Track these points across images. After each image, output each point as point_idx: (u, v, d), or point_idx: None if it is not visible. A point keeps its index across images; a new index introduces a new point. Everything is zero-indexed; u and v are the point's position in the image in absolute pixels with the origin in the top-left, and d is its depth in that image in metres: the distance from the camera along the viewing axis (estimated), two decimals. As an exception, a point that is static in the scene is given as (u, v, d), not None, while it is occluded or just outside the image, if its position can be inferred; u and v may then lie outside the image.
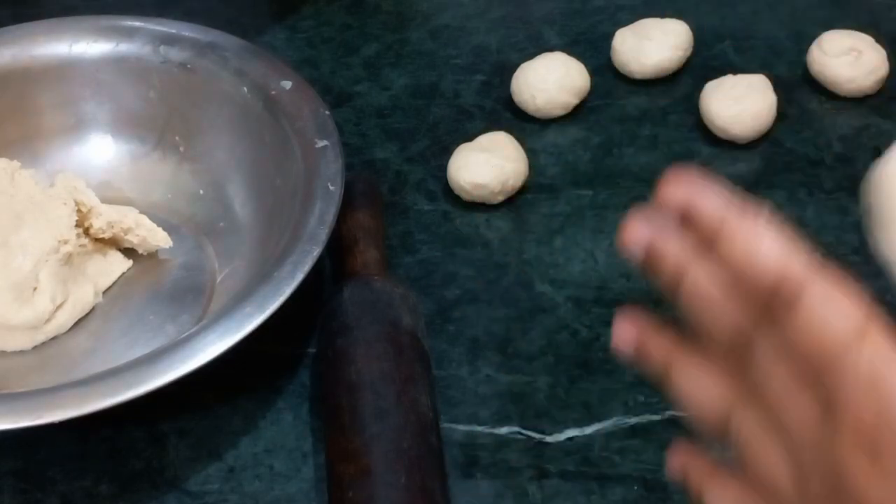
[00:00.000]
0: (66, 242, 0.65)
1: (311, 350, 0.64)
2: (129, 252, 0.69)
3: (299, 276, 0.59)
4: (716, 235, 0.38)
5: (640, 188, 0.72)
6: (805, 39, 0.81)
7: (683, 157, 0.73)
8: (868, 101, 0.76)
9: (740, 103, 0.72)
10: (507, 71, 0.78)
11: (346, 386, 0.57)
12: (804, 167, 0.72)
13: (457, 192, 0.71)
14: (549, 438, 0.59)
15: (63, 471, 0.60)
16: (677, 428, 0.59)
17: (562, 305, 0.65)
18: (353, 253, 0.64)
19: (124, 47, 0.73)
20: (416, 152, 0.76)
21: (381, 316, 0.59)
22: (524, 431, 0.60)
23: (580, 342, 0.63)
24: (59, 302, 0.65)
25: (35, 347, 0.65)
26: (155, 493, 0.59)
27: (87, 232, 0.68)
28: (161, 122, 0.73)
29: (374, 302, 0.60)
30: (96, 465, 0.60)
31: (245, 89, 0.70)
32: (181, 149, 0.73)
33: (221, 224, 0.70)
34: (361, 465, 0.53)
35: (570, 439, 0.59)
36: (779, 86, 0.74)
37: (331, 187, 0.63)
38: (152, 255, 0.69)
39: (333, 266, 0.67)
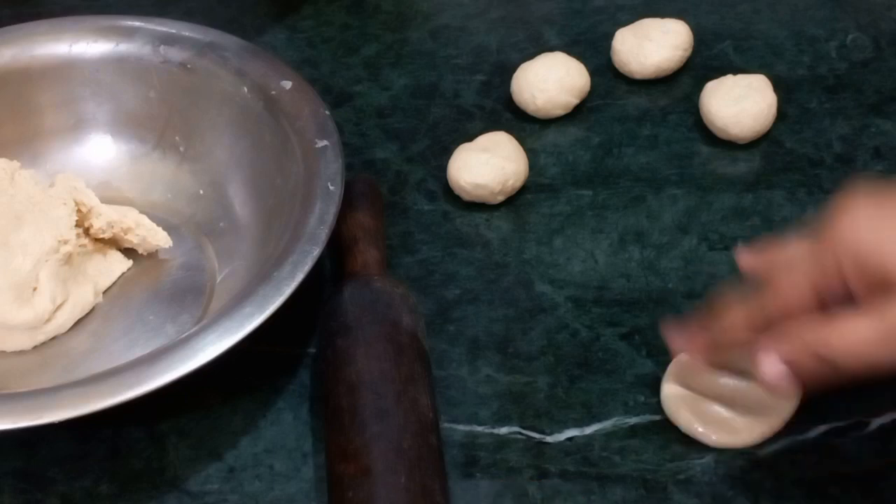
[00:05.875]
0: (66, 242, 0.65)
1: (311, 350, 0.64)
2: (129, 252, 0.69)
3: (299, 276, 0.59)
4: None
5: (640, 188, 0.72)
6: (805, 39, 0.81)
7: (683, 157, 0.73)
8: (868, 102, 0.76)
9: (740, 103, 0.72)
10: (507, 71, 0.78)
11: (346, 386, 0.57)
12: (804, 167, 0.72)
13: (457, 192, 0.71)
14: (549, 438, 0.59)
15: (63, 471, 0.60)
16: (677, 428, 0.59)
17: (562, 305, 0.65)
18: (352, 253, 0.64)
19: (124, 47, 0.73)
20: (416, 152, 0.76)
21: (380, 316, 0.59)
22: (524, 431, 0.59)
23: (580, 342, 0.63)
24: (59, 302, 0.65)
25: (35, 347, 0.65)
26: (155, 493, 0.59)
27: (87, 232, 0.68)
28: (161, 122, 0.73)
29: (374, 302, 0.60)
30: (96, 465, 0.60)
31: (245, 89, 0.70)
32: (181, 149, 0.73)
33: (221, 224, 0.70)
34: (361, 466, 0.53)
35: (570, 439, 0.59)
36: (779, 86, 0.74)
37: (331, 187, 0.63)
38: (152, 255, 0.69)
39: (333, 266, 0.67)
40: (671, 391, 0.59)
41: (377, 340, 0.58)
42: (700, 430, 0.58)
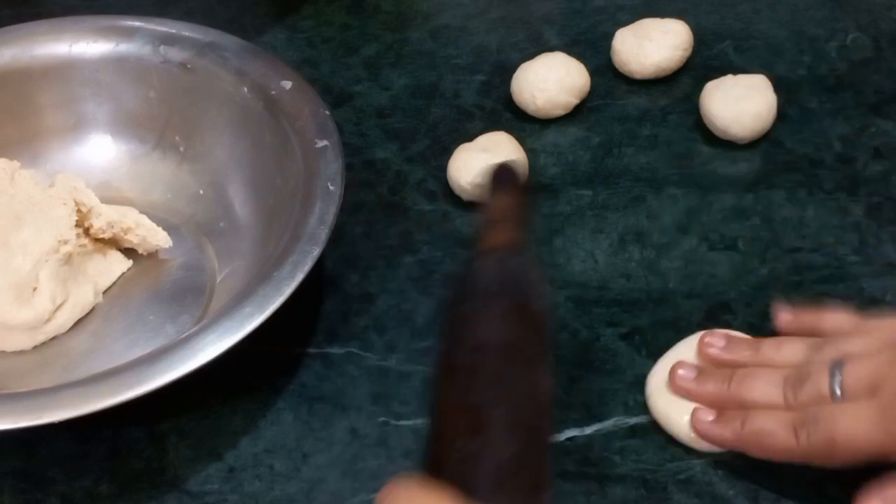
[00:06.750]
0: (66, 242, 0.65)
1: (311, 350, 0.64)
2: (129, 252, 0.69)
3: (299, 276, 0.59)
4: None
5: (640, 188, 0.72)
6: (805, 39, 0.81)
7: (683, 157, 0.73)
8: (868, 102, 0.76)
9: (740, 103, 0.72)
10: (507, 71, 0.78)
11: (469, 347, 0.55)
12: (804, 167, 0.72)
13: (457, 192, 0.71)
14: (549, 438, 0.59)
15: (63, 471, 0.60)
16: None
17: (562, 305, 0.65)
18: (491, 231, 0.62)
19: (124, 47, 0.73)
20: (416, 152, 0.76)
21: (511, 290, 0.57)
22: (524, 431, 0.59)
23: (580, 342, 0.63)
24: (59, 302, 0.65)
25: (35, 347, 0.65)
26: (155, 493, 0.59)
27: (87, 232, 0.68)
28: (161, 122, 0.73)
29: (506, 277, 0.58)
30: (96, 465, 0.60)
31: (245, 89, 0.70)
32: (181, 149, 0.73)
33: (221, 224, 0.70)
34: (473, 422, 0.51)
35: (570, 439, 0.59)
36: (779, 86, 0.74)
37: (331, 187, 0.63)
38: (152, 255, 0.69)
39: (334, 266, 0.67)
40: (658, 392, 0.59)
41: (507, 312, 0.56)
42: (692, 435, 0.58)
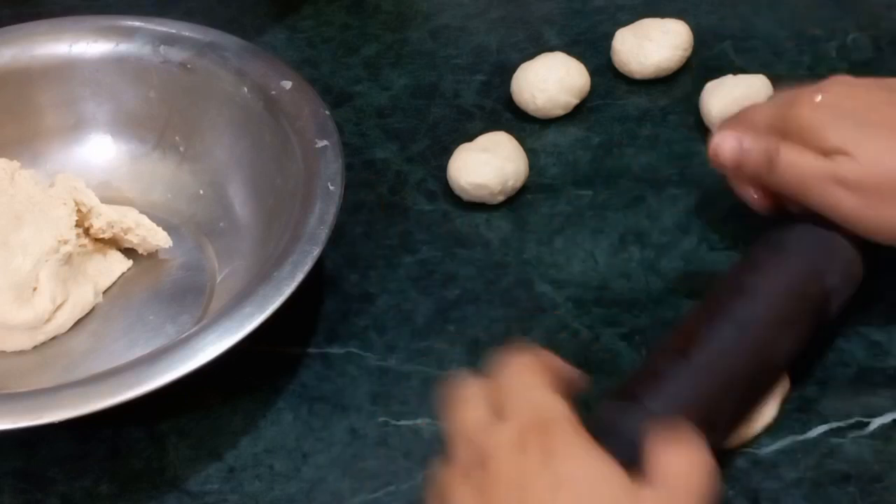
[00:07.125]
0: (66, 242, 0.65)
1: (311, 350, 0.64)
2: (129, 252, 0.69)
3: (299, 276, 0.59)
4: None
5: (640, 188, 0.72)
6: (805, 39, 0.81)
7: (683, 157, 0.73)
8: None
9: (740, 103, 0.72)
10: (507, 71, 0.78)
11: (738, 287, 0.55)
12: (804, 167, 0.72)
13: (457, 192, 0.71)
14: (549, 438, 0.59)
15: (63, 471, 0.60)
16: (677, 428, 0.59)
17: (562, 305, 0.65)
18: None
19: (124, 47, 0.73)
20: (416, 152, 0.76)
21: (812, 257, 0.57)
22: (524, 431, 0.59)
23: (580, 342, 0.63)
24: (59, 302, 0.65)
25: (35, 347, 0.65)
26: (155, 493, 0.59)
27: (87, 232, 0.68)
28: (161, 122, 0.73)
29: (817, 243, 0.58)
30: (96, 465, 0.60)
31: (245, 89, 0.70)
32: (181, 149, 0.73)
33: (221, 224, 0.70)
34: (689, 344, 0.52)
35: (570, 439, 0.59)
36: (779, 86, 0.74)
37: (331, 187, 0.63)
38: (152, 255, 0.69)
39: (333, 266, 0.67)
40: None
41: (793, 275, 0.56)
42: None
